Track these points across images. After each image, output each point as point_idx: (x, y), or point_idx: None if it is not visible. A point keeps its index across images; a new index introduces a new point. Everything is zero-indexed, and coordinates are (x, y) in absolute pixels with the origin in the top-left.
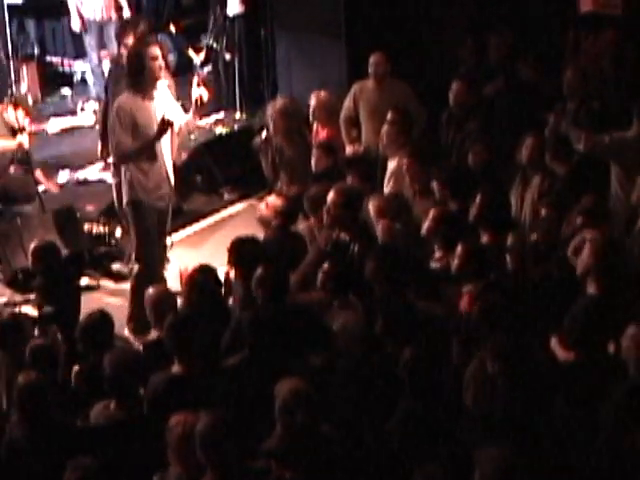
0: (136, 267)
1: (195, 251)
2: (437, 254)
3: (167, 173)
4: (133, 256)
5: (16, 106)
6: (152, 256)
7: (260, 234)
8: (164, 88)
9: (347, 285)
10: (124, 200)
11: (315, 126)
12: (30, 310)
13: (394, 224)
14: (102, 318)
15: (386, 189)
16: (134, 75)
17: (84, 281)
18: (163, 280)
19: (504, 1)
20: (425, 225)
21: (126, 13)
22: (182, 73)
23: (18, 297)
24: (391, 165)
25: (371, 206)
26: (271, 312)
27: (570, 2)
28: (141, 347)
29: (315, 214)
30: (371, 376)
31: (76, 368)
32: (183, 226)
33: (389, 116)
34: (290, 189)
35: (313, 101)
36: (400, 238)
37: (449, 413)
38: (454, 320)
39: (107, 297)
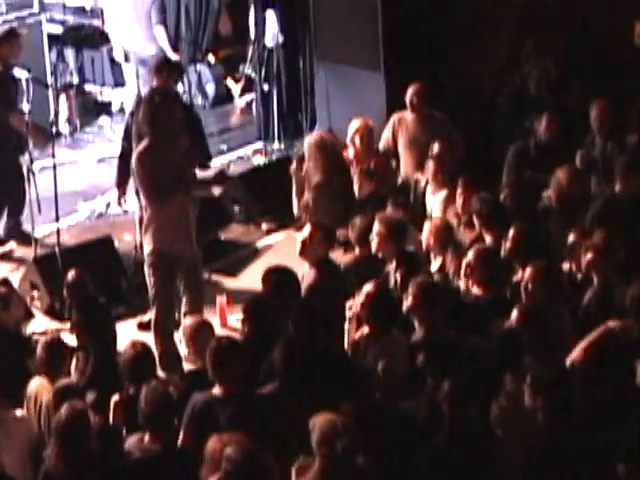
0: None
1: (233, 281)
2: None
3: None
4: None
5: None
6: (164, 298)
7: (298, 263)
8: None
9: (391, 319)
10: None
11: (352, 152)
12: (67, 339)
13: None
14: (144, 350)
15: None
16: None
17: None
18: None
19: (545, 28)
20: (465, 261)
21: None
22: (221, 103)
23: (55, 326)
24: (439, 196)
25: (426, 234)
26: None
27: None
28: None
29: (362, 245)
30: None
31: (115, 398)
32: (221, 256)
33: (436, 148)
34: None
35: (358, 124)
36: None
37: (484, 446)
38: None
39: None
